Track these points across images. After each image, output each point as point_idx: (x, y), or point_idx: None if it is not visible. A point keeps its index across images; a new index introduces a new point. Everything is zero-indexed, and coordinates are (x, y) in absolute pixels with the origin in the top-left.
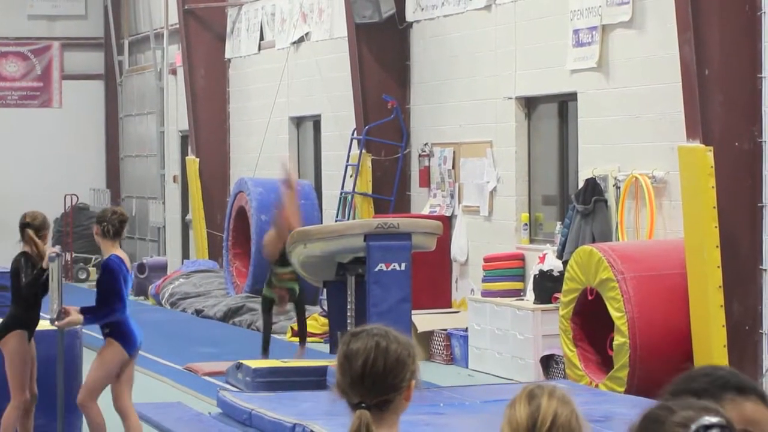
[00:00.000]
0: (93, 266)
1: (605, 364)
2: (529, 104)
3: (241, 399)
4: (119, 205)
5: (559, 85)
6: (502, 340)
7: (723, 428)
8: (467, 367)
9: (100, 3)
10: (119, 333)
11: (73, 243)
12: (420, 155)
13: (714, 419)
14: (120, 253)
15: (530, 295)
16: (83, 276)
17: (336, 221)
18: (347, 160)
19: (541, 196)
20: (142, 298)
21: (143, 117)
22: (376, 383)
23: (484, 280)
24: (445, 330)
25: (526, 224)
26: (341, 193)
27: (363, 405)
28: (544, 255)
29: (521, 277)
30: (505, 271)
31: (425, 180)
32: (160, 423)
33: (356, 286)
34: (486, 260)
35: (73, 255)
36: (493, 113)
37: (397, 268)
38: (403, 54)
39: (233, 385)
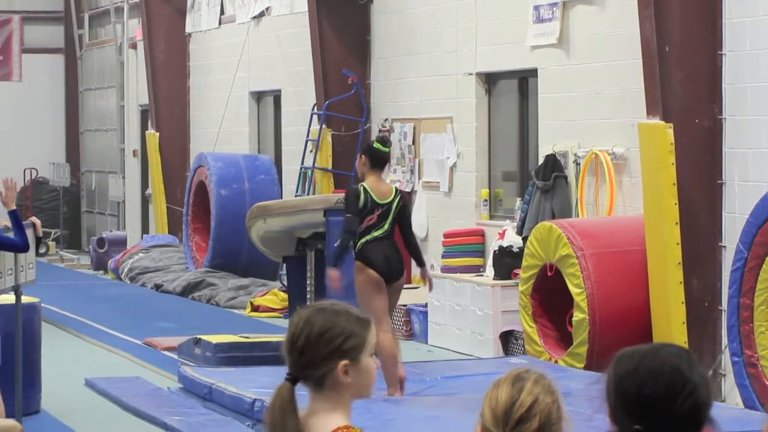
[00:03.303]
0: (53, 240)
1: (564, 340)
2: (490, 80)
3: (201, 374)
4: (76, 179)
5: (519, 61)
6: (461, 315)
7: None
8: (427, 343)
9: None
10: None
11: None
12: (380, 130)
13: None
14: None
15: (490, 271)
16: (42, 250)
17: (296, 196)
18: (307, 135)
19: (501, 172)
20: (101, 272)
21: (103, 91)
22: (302, 356)
23: (443, 256)
24: (405, 305)
25: (485, 200)
26: (301, 168)
27: (288, 377)
28: (504, 231)
29: (481, 253)
30: (464, 247)
31: None
32: (119, 398)
33: (316, 261)
34: (446, 236)
35: None
36: (454, 89)
37: None
38: (364, 29)
39: (188, 360)
